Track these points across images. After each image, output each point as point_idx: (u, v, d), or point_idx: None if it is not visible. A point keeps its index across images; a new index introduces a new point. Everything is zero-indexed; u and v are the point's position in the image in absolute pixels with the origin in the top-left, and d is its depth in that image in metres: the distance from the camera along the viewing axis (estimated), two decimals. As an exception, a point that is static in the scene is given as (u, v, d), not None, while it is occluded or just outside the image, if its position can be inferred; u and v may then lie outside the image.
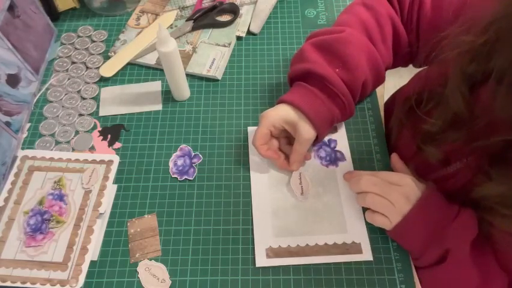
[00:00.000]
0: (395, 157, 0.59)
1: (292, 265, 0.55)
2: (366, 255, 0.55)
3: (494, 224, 0.47)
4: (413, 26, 0.61)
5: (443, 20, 0.55)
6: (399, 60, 0.65)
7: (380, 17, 0.61)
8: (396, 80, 0.78)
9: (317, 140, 0.61)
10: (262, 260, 0.55)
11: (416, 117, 0.53)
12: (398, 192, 0.52)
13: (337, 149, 0.64)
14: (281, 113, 0.58)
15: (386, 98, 0.75)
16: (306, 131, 0.58)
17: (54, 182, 0.60)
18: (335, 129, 0.66)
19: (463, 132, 0.47)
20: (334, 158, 0.63)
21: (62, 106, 0.70)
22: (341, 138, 0.65)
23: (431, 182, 0.53)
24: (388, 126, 0.67)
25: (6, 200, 0.59)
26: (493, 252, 0.49)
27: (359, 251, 0.56)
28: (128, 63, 0.74)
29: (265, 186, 0.61)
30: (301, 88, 0.59)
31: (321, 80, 0.58)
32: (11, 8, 0.63)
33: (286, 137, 0.62)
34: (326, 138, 0.65)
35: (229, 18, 0.78)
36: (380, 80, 0.63)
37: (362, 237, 0.56)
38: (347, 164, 0.63)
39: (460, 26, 0.47)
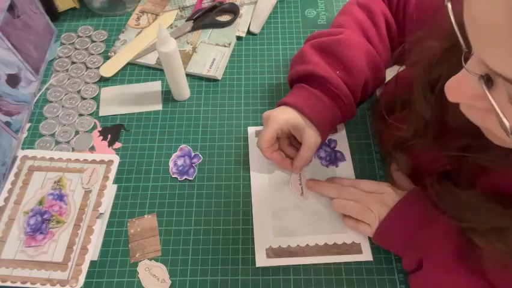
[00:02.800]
0: (394, 167, 0.59)
1: (292, 265, 0.55)
2: (366, 255, 0.55)
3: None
4: (400, 23, 0.62)
5: (425, 16, 0.55)
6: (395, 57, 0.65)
7: (375, 16, 0.61)
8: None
9: (321, 142, 0.61)
10: (262, 260, 0.55)
11: (390, 124, 0.53)
12: (377, 200, 0.53)
13: (337, 149, 0.64)
14: (289, 118, 0.57)
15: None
16: (314, 137, 0.58)
17: (55, 182, 0.60)
18: (335, 130, 0.66)
19: (432, 139, 0.47)
20: (334, 158, 0.63)
21: (62, 106, 0.70)
22: (341, 139, 0.65)
23: (417, 188, 0.53)
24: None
25: (6, 200, 0.59)
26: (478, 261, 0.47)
27: (359, 251, 0.56)
28: (128, 63, 0.74)
29: (266, 187, 0.61)
30: (304, 91, 0.59)
31: (323, 82, 0.58)
32: (11, 8, 0.63)
33: (287, 138, 0.62)
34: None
35: (229, 18, 0.78)
36: (380, 79, 0.63)
37: (362, 238, 0.56)
38: (347, 164, 0.63)
39: (426, 30, 0.46)
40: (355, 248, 0.56)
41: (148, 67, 0.74)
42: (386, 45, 0.62)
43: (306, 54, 0.60)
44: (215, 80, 0.73)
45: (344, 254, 0.55)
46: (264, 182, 0.62)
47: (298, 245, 0.56)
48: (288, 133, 0.60)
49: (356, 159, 0.64)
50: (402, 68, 0.57)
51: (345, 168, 0.62)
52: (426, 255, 0.49)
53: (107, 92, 0.71)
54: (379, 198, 0.54)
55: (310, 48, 0.61)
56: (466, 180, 0.45)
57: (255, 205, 0.60)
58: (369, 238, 0.56)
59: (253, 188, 0.61)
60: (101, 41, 0.77)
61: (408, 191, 0.53)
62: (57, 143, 0.66)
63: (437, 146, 0.47)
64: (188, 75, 0.72)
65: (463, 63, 0.32)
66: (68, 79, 0.73)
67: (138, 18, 0.79)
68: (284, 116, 0.58)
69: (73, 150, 0.65)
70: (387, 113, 0.54)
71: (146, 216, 0.59)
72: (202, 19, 0.78)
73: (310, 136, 0.57)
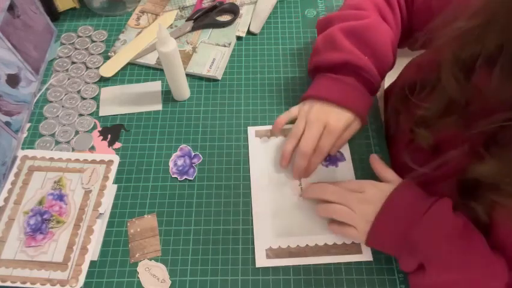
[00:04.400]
0: (373, 158, 0.59)
1: (292, 265, 0.55)
2: (366, 255, 0.55)
3: (496, 206, 0.46)
4: (408, 5, 0.63)
5: (435, 6, 0.57)
6: (404, 40, 0.67)
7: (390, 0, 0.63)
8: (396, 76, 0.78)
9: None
10: (262, 261, 0.55)
11: (411, 104, 0.53)
12: (358, 199, 0.53)
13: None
14: (346, 125, 0.59)
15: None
16: (356, 126, 0.61)
17: (54, 182, 0.60)
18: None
19: (457, 118, 0.48)
20: (334, 158, 0.63)
21: (62, 106, 0.70)
22: None
23: (406, 180, 0.53)
24: (386, 116, 0.68)
25: (6, 200, 0.59)
26: (482, 237, 0.48)
27: (359, 251, 0.56)
28: (128, 63, 0.74)
29: (265, 187, 0.61)
30: (342, 84, 0.60)
31: (358, 71, 0.59)
32: (11, 8, 0.63)
33: None
34: None
35: (229, 18, 0.78)
36: (395, 61, 0.64)
37: None
38: (346, 164, 0.63)
39: (451, 11, 0.47)
40: (355, 248, 0.56)
41: (148, 67, 0.74)
42: (399, 29, 0.64)
43: (337, 40, 0.60)
44: (215, 80, 0.73)
45: (343, 254, 0.55)
46: (264, 182, 0.61)
47: (298, 246, 0.56)
48: None
49: (356, 159, 0.63)
50: (418, 53, 0.59)
51: (345, 168, 0.62)
52: (426, 259, 0.48)
53: (107, 92, 0.71)
54: (361, 197, 0.53)
55: (340, 33, 0.61)
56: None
57: (255, 205, 0.60)
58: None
59: (253, 189, 0.61)
60: (101, 41, 0.77)
61: (391, 183, 0.53)
62: (57, 143, 0.66)
63: (460, 124, 0.48)
64: (188, 75, 0.72)
65: None
66: (68, 79, 0.73)
67: (138, 18, 0.79)
68: (342, 124, 0.59)
69: (73, 150, 0.65)
70: (406, 95, 0.55)
71: (146, 216, 0.59)
72: (202, 19, 0.78)
73: (355, 127, 0.61)
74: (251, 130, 0.66)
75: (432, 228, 0.48)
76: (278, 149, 0.64)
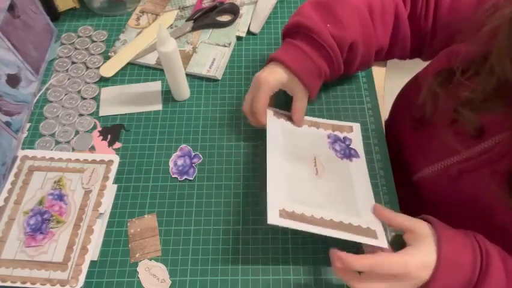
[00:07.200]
0: (378, 208, 0.55)
1: (306, 232, 0.51)
2: (381, 241, 0.51)
3: None
4: (428, 25, 0.62)
5: (461, 17, 0.56)
6: (397, 51, 0.66)
7: (386, 1, 0.62)
8: (398, 80, 0.78)
9: (311, 97, 0.63)
10: (274, 218, 0.50)
11: (451, 87, 0.52)
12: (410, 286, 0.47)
13: (351, 146, 0.64)
14: (278, 78, 0.60)
15: (386, 98, 0.75)
16: (301, 91, 0.61)
17: (54, 182, 0.60)
18: (350, 129, 0.66)
19: (504, 102, 0.47)
20: (348, 154, 0.63)
21: (62, 106, 0.70)
22: (355, 137, 0.65)
23: (439, 229, 0.48)
24: (393, 115, 0.69)
25: (6, 200, 0.59)
26: None
27: (374, 236, 0.52)
28: (128, 63, 0.74)
29: (281, 156, 0.59)
30: (291, 46, 0.61)
31: (309, 33, 0.60)
32: (11, 8, 0.63)
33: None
34: (341, 136, 0.65)
35: (229, 18, 0.78)
36: (368, 58, 0.64)
37: (377, 226, 0.53)
38: (360, 161, 0.62)
39: (496, 2, 0.48)
40: (370, 233, 0.52)
41: (148, 67, 0.74)
42: (386, 32, 0.63)
43: (302, 8, 0.63)
44: (215, 80, 0.73)
45: (359, 235, 0.51)
46: (280, 154, 0.59)
47: (313, 216, 0.52)
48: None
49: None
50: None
51: (359, 165, 0.61)
52: None
53: (107, 92, 0.71)
54: (412, 284, 0.47)
55: (308, 4, 0.63)
56: None
57: (270, 163, 0.56)
58: (385, 226, 0.54)
59: (269, 154, 0.58)
60: (101, 41, 0.77)
61: (425, 245, 0.47)
62: (57, 143, 0.66)
63: (508, 107, 0.47)
64: (188, 75, 0.72)
65: None
66: (68, 79, 0.73)
67: (138, 18, 0.79)
68: (273, 77, 0.60)
69: (73, 150, 0.65)
70: (447, 78, 0.54)
71: (146, 216, 0.59)
72: (202, 19, 0.78)
73: (299, 90, 0.61)
74: (270, 112, 0.64)
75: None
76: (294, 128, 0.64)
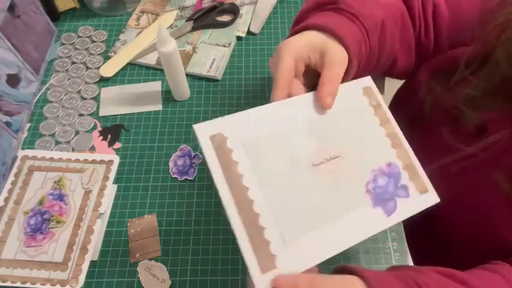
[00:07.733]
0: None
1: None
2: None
3: None
4: (430, 44, 0.59)
5: (464, 26, 0.55)
6: (402, 64, 0.61)
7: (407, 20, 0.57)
8: (396, 84, 0.78)
9: (350, 69, 0.47)
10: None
11: (452, 85, 0.52)
12: None
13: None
14: (308, 39, 0.46)
15: (386, 99, 0.74)
16: (339, 51, 0.46)
17: (55, 182, 0.60)
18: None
19: (505, 99, 0.47)
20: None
21: (62, 106, 0.70)
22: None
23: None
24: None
25: (6, 200, 0.59)
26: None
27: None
28: (128, 63, 0.74)
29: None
30: (320, 13, 0.51)
31: (338, 6, 0.50)
32: (11, 8, 0.63)
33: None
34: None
35: (229, 18, 0.78)
36: (391, 53, 0.56)
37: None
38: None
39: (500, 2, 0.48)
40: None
41: (148, 67, 0.74)
42: (403, 38, 0.58)
43: None
44: (215, 80, 0.73)
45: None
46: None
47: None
48: (302, 69, 0.48)
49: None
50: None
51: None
52: None
53: (107, 92, 0.71)
54: None
55: None
56: None
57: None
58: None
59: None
60: (101, 41, 0.77)
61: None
62: (57, 143, 0.66)
63: (506, 105, 0.47)
64: (188, 75, 0.72)
65: None
66: (68, 79, 0.73)
67: (138, 19, 0.80)
68: (299, 38, 0.47)
69: (73, 150, 0.65)
70: (446, 76, 0.53)
71: (146, 216, 0.59)
72: (202, 19, 0.78)
73: (335, 49, 0.45)
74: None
75: None
76: None
